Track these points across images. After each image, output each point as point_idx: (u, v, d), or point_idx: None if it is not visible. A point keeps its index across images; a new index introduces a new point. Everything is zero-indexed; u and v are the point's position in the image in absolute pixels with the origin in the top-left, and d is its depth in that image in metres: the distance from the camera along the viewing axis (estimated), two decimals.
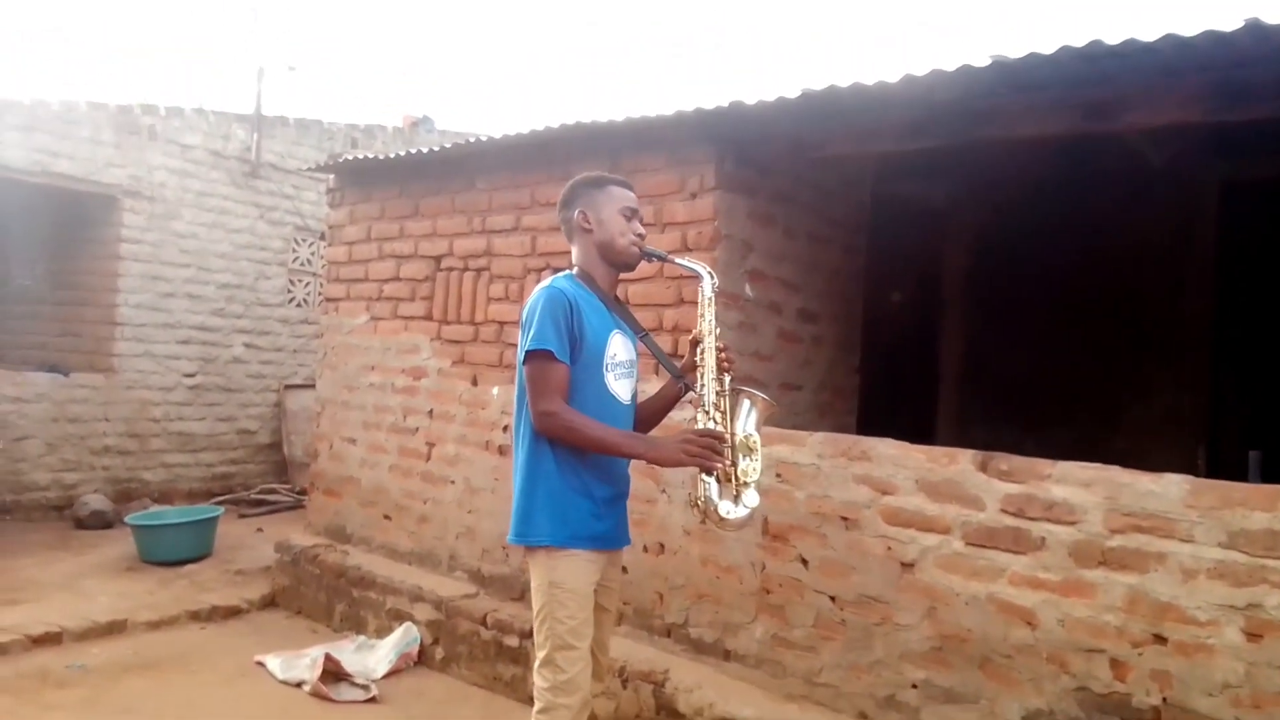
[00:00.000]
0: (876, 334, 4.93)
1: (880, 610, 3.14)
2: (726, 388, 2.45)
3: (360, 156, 5.49)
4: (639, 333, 2.68)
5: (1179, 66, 2.78)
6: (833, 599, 3.26)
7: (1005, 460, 2.92)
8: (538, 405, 2.37)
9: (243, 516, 7.29)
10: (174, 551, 5.85)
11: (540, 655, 2.45)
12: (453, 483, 4.72)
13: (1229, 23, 2.53)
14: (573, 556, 2.43)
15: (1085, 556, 2.72)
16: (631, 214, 2.59)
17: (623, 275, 2.70)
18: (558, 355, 2.36)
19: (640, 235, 2.60)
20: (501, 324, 4.55)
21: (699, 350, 2.50)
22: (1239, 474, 3.18)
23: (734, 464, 2.38)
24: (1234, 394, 4.92)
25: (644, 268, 2.97)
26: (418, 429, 4.93)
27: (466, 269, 4.76)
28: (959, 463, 3.00)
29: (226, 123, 8.02)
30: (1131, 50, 2.70)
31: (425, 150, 4.84)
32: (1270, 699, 2.42)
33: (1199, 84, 2.85)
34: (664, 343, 3.61)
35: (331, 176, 5.69)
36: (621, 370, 2.54)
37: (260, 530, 6.82)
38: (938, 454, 3.07)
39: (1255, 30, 2.51)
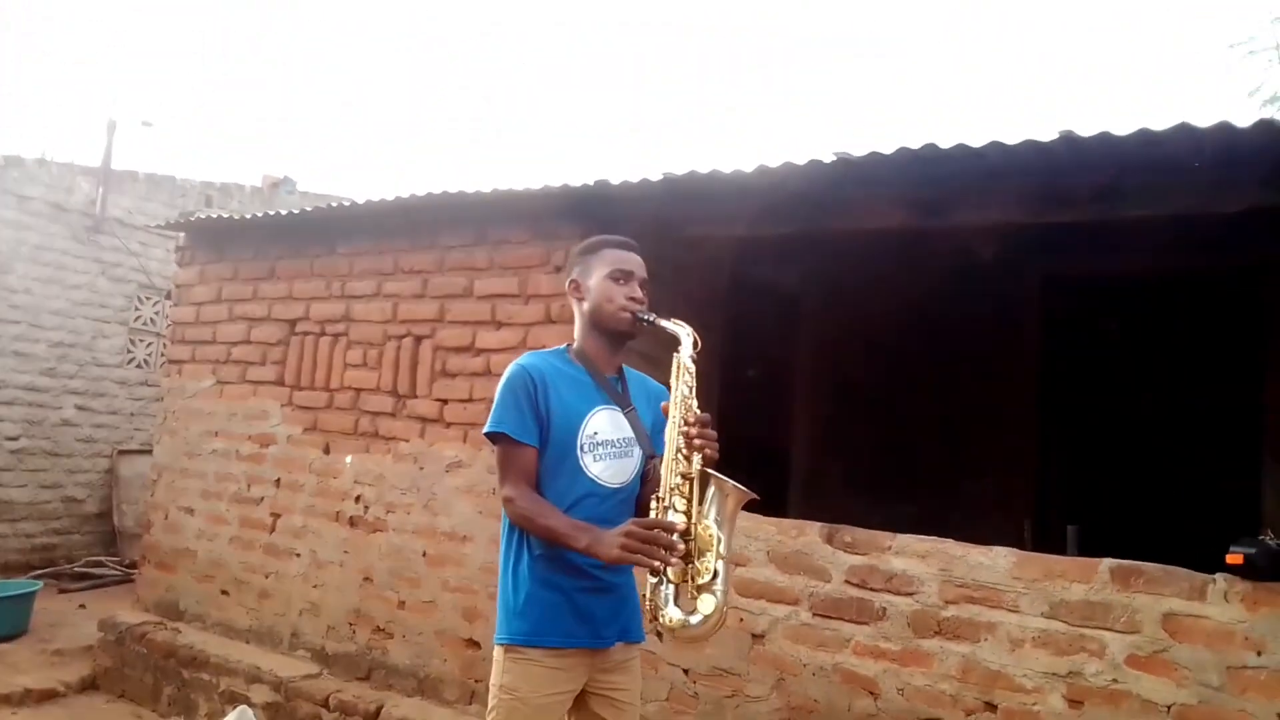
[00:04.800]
0: (732, 408, 5.05)
1: (732, 682, 3.18)
2: (694, 471, 2.09)
3: (215, 215, 5.33)
4: (625, 409, 2.35)
5: (1003, 170, 3.04)
6: (685, 672, 3.28)
7: (849, 533, 3.04)
8: (500, 490, 2.21)
9: (64, 591, 6.76)
10: None
11: None
12: (298, 555, 4.53)
13: (1047, 133, 2.80)
14: (528, 661, 2.15)
15: (923, 626, 2.85)
16: (624, 276, 2.34)
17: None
18: (515, 437, 2.18)
19: (635, 299, 2.34)
20: (358, 390, 4.45)
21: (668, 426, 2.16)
22: (1061, 547, 3.40)
23: (689, 561, 2.00)
24: (1057, 472, 5.28)
25: None
26: (262, 499, 4.73)
27: (323, 334, 4.65)
28: (807, 534, 3.11)
29: (71, 175, 7.64)
30: (961, 154, 2.94)
31: (286, 212, 4.75)
32: None
33: (1021, 187, 3.12)
34: None
35: (182, 235, 5.49)
36: (607, 450, 2.26)
37: (83, 607, 6.33)
38: (787, 526, 3.18)
39: (1069, 141, 2.78)
